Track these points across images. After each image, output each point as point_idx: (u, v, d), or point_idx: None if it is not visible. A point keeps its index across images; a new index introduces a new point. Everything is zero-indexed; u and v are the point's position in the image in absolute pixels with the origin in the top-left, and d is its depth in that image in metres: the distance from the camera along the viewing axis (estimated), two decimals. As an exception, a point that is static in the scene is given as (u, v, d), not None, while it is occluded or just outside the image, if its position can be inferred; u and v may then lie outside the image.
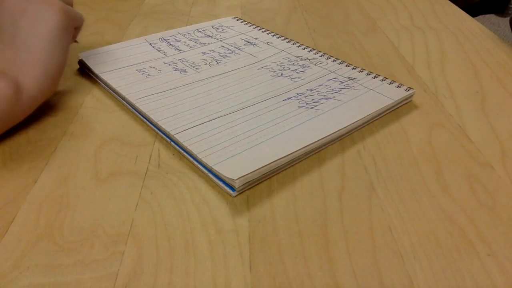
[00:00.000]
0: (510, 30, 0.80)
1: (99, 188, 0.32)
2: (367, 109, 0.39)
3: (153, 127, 0.38)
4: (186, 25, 0.61)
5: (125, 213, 0.30)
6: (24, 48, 0.37)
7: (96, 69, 0.46)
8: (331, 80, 0.44)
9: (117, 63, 0.47)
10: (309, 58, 0.49)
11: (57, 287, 0.25)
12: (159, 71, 0.46)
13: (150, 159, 0.35)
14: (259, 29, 0.57)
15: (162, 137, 0.37)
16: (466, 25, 0.61)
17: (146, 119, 0.39)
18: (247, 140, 0.35)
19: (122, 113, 0.41)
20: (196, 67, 0.47)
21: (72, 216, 0.30)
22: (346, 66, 0.47)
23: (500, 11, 1.05)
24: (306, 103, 0.40)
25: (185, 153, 0.35)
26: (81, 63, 0.48)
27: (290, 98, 0.41)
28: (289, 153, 0.33)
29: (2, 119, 0.35)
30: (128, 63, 0.48)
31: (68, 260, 0.26)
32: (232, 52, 0.51)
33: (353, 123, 0.37)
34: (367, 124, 0.39)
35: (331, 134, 0.36)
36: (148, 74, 0.45)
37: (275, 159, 0.32)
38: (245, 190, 0.32)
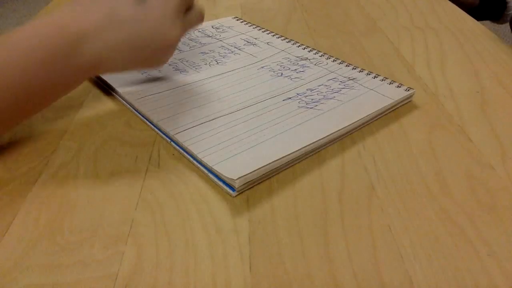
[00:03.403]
0: (510, 30, 0.80)
1: (99, 188, 0.32)
2: (367, 109, 0.39)
3: (153, 127, 0.38)
4: (186, 25, 0.61)
5: (125, 213, 0.30)
6: (132, 64, 0.38)
7: (96, 69, 0.46)
8: (331, 80, 0.44)
9: (117, 63, 0.47)
10: (309, 58, 0.49)
11: (57, 287, 0.25)
12: (159, 71, 0.46)
13: (150, 159, 0.35)
14: (259, 29, 0.57)
15: (162, 137, 0.37)
16: (466, 25, 0.61)
17: (146, 119, 0.39)
18: (247, 140, 0.35)
19: (122, 113, 0.41)
20: (196, 67, 0.47)
21: (72, 216, 0.30)
22: (346, 66, 0.47)
23: (496, 18, 1.04)
24: (306, 103, 0.40)
25: (185, 153, 0.35)
26: (81, 63, 0.48)
27: (290, 98, 0.41)
28: (289, 153, 0.33)
29: (59, 97, 0.35)
30: (128, 63, 0.47)
31: (68, 260, 0.26)
32: (232, 52, 0.51)
33: (353, 123, 0.37)
34: (367, 124, 0.39)
35: (331, 134, 0.36)
36: (148, 74, 0.45)
37: (275, 159, 0.32)
38: (245, 190, 0.32)
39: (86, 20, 0.33)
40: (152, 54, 0.37)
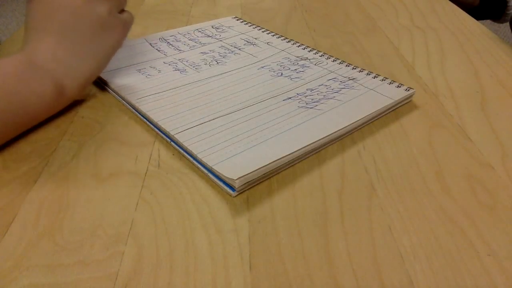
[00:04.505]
0: (510, 30, 0.80)
1: (99, 188, 0.32)
2: (367, 109, 0.39)
3: (153, 127, 0.38)
4: (186, 25, 0.61)
5: (125, 213, 0.30)
6: (82, 56, 0.39)
7: (96, 69, 0.46)
8: (331, 80, 0.44)
9: (117, 63, 0.47)
10: (309, 58, 0.49)
11: (57, 287, 0.25)
12: (159, 71, 0.46)
13: (150, 159, 0.35)
14: (259, 29, 0.57)
15: (162, 137, 0.37)
16: (466, 25, 0.61)
17: (146, 119, 0.39)
18: (247, 140, 0.35)
19: (122, 113, 0.41)
20: (196, 67, 0.47)
21: (72, 216, 0.30)
22: (346, 66, 0.47)
23: (497, 17, 1.04)
24: (306, 103, 0.40)
25: (185, 153, 0.35)
26: (81, 63, 0.48)
27: (290, 98, 0.41)
28: (289, 153, 0.33)
29: (40, 115, 0.38)
30: (128, 63, 0.48)
31: (68, 260, 0.26)
32: (232, 52, 0.51)
33: (353, 123, 0.37)
34: (367, 124, 0.39)
35: (331, 134, 0.36)
36: (148, 74, 0.45)
37: (275, 159, 0.32)
38: (245, 190, 0.32)
39: (37, 45, 0.38)
40: (81, 21, 0.39)
